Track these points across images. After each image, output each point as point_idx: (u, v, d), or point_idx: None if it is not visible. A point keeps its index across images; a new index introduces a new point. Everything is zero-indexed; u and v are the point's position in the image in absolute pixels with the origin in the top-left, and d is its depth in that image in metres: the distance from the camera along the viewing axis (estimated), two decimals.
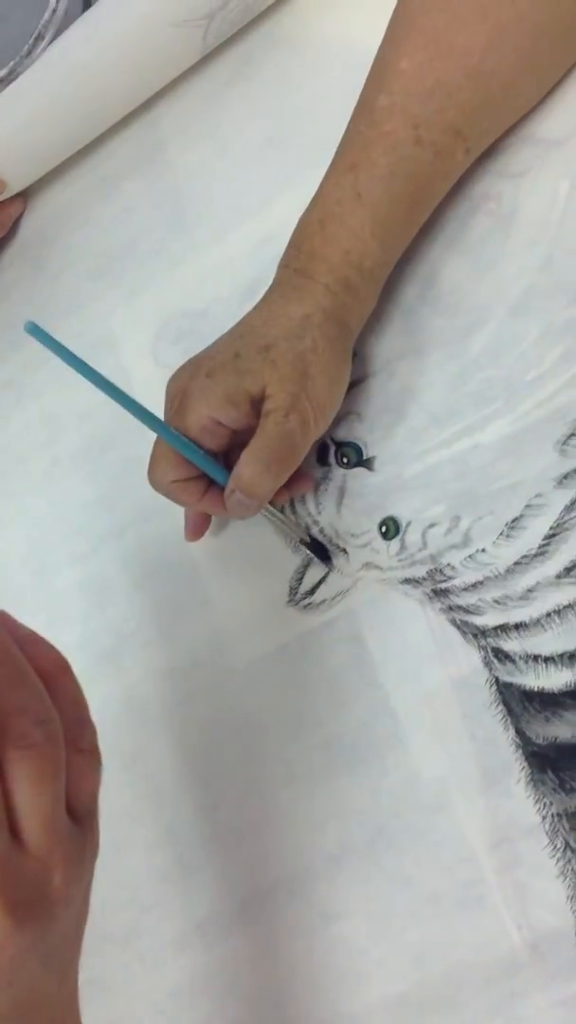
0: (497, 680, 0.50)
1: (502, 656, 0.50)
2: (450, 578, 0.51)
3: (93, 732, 0.39)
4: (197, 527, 0.55)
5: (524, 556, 0.50)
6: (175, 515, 0.56)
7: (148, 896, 0.56)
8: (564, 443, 0.49)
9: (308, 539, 0.54)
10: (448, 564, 0.51)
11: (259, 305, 0.50)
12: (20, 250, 0.67)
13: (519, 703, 0.49)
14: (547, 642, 0.49)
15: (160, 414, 0.50)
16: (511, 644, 0.49)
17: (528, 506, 0.50)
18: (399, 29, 0.49)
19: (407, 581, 0.52)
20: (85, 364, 0.46)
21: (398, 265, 0.52)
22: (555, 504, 0.49)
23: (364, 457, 0.54)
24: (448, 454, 0.52)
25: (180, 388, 0.49)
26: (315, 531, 0.54)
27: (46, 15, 0.60)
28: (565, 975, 0.47)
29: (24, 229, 0.67)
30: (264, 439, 0.47)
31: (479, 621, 0.50)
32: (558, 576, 0.49)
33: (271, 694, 0.55)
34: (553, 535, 0.49)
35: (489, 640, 0.50)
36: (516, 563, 0.50)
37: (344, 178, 0.49)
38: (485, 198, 0.53)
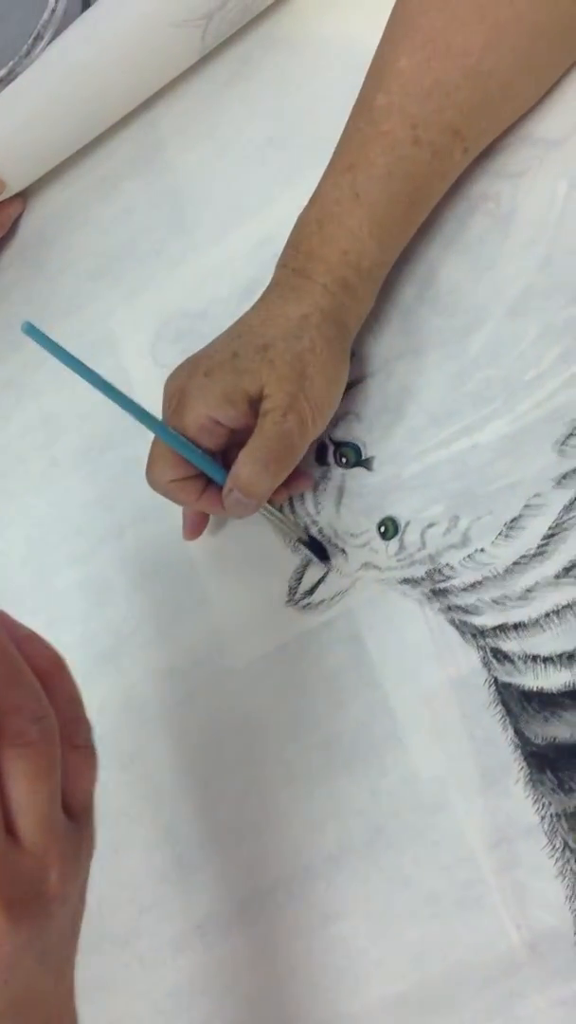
0: (496, 680, 0.50)
1: (501, 656, 0.50)
2: (449, 578, 0.51)
3: (89, 729, 0.39)
4: (195, 526, 0.55)
5: (523, 556, 0.50)
6: (174, 515, 0.56)
7: (147, 896, 0.56)
8: (563, 443, 0.49)
9: (306, 538, 0.54)
10: (447, 564, 0.51)
11: (257, 305, 0.50)
12: (19, 250, 0.67)
13: (518, 703, 0.49)
14: (546, 642, 0.49)
15: (159, 414, 0.50)
16: (510, 644, 0.49)
17: (527, 506, 0.50)
18: (397, 29, 0.49)
19: (406, 581, 0.52)
20: (82, 364, 0.46)
21: (396, 265, 0.52)
22: (554, 504, 0.49)
23: (363, 457, 0.54)
24: (447, 454, 0.52)
25: (178, 387, 0.49)
26: (314, 531, 0.54)
27: (45, 15, 0.60)
28: (564, 975, 0.47)
29: (23, 229, 0.67)
30: (262, 439, 0.47)
31: (478, 621, 0.50)
32: (557, 576, 0.49)
33: (270, 694, 0.55)
34: (552, 535, 0.49)
35: (488, 640, 0.50)
36: (515, 563, 0.50)
37: (342, 178, 0.49)
38: (483, 198, 0.53)
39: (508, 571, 0.50)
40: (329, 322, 0.48)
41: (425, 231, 0.52)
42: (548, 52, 0.49)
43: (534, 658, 0.49)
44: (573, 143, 0.51)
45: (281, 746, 0.54)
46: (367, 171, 0.48)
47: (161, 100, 0.63)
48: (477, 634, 0.50)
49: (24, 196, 0.67)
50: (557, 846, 0.48)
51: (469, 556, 0.51)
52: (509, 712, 0.49)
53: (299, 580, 0.55)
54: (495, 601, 0.50)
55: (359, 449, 0.54)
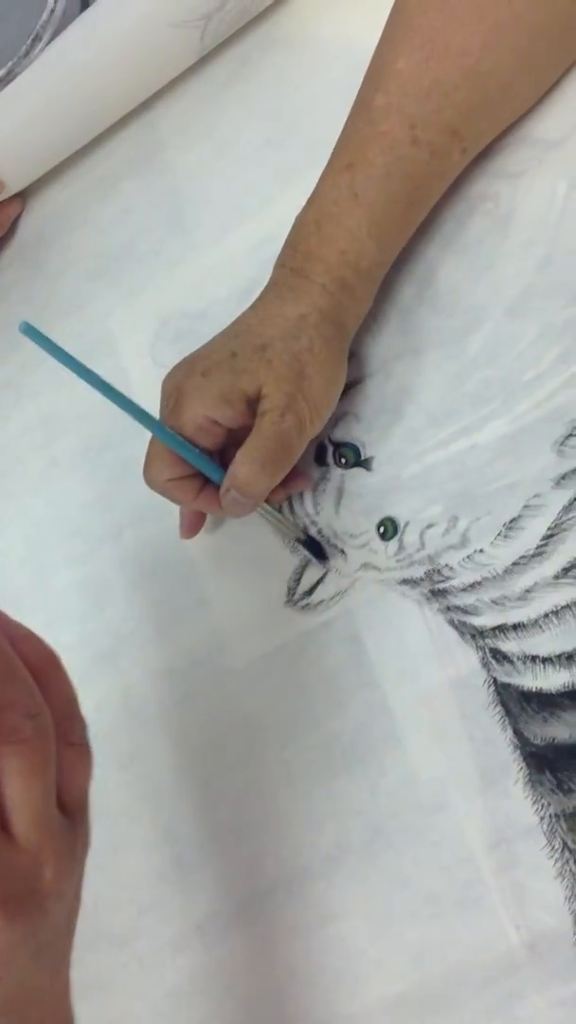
0: (495, 680, 0.50)
1: (500, 657, 0.50)
2: (448, 578, 0.51)
3: (84, 726, 0.39)
4: (192, 525, 0.55)
5: (522, 556, 0.50)
6: (173, 515, 0.56)
7: (146, 896, 0.56)
8: (562, 443, 0.49)
9: (304, 537, 0.54)
10: (446, 564, 0.51)
11: (255, 304, 0.50)
12: (19, 250, 0.67)
13: (517, 704, 0.49)
14: (545, 643, 0.49)
15: (157, 413, 0.50)
16: (509, 645, 0.49)
17: (526, 506, 0.50)
18: (396, 29, 0.49)
19: (405, 581, 0.52)
20: (79, 363, 0.46)
21: (395, 265, 0.52)
22: (553, 504, 0.49)
23: (362, 458, 0.54)
24: (446, 454, 0.52)
25: (175, 386, 0.49)
26: (313, 531, 0.54)
27: (44, 16, 0.60)
28: (563, 975, 0.47)
29: (23, 229, 0.67)
30: (260, 439, 0.47)
31: (477, 621, 0.50)
32: (556, 577, 0.49)
33: (269, 694, 0.55)
34: (551, 535, 0.49)
35: (487, 640, 0.50)
36: (514, 563, 0.50)
37: (341, 178, 0.49)
38: (482, 198, 0.53)
39: (507, 571, 0.50)
40: (327, 322, 0.48)
41: (424, 231, 0.52)
42: (547, 52, 0.49)
43: (533, 658, 0.49)
44: (572, 143, 0.51)
45: (280, 746, 0.54)
46: (365, 171, 0.48)
47: (160, 101, 0.63)
48: (476, 634, 0.50)
49: (23, 196, 0.67)
50: (556, 847, 0.48)
51: (468, 557, 0.51)
52: (508, 712, 0.49)
53: (298, 580, 0.55)
54: (494, 601, 0.50)
55: (358, 450, 0.54)
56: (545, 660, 0.49)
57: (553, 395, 0.50)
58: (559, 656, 0.48)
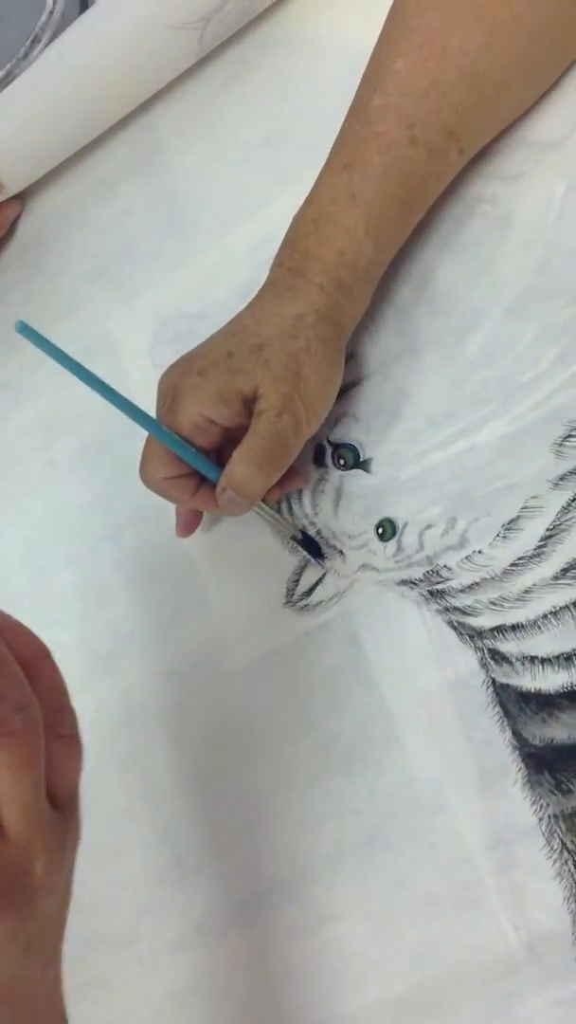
0: (494, 681, 0.50)
1: (499, 657, 0.50)
2: (447, 579, 0.51)
3: (74, 719, 0.39)
4: (188, 523, 0.55)
5: (520, 557, 0.50)
6: (172, 517, 0.56)
7: (146, 897, 0.57)
8: (560, 444, 0.49)
9: (300, 536, 0.54)
10: (445, 565, 0.51)
11: (252, 304, 0.51)
12: (18, 252, 0.67)
13: (516, 704, 0.49)
14: (544, 643, 0.49)
15: (154, 412, 0.50)
16: (508, 645, 0.49)
17: (524, 507, 0.50)
18: (394, 29, 0.49)
19: (404, 582, 0.52)
20: (75, 362, 0.46)
21: (393, 266, 0.52)
22: (551, 505, 0.49)
23: (361, 459, 0.54)
24: (444, 456, 0.52)
25: (172, 385, 0.49)
26: (312, 532, 0.54)
27: (43, 17, 0.60)
28: (562, 976, 0.47)
29: (22, 231, 0.68)
30: (256, 438, 0.47)
31: (476, 622, 0.50)
32: (555, 577, 0.49)
33: (268, 695, 0.55)
34: (550, 536, 0.49)
35: (486, 641, 0.50)
36: (513, 564, 0.50)
37: (338, 178, 0.49)
38: (480, 200, 0.53)
39: (506, 572, 0.50)
40: (324, 322, 0.48)
41: (422, 233, 0.52)
42: (545, 53, 0.49)
43: (532, 659, 0.49)
44: (570, 145, 0.51)
45: (279, 747, 0.54)
46: (363, 171, 0.48)
47: (159, 102, 0.63)
48: (475, 635, 0.50)
49: (22, 198, 0.67)
50: (555, 847, 0.48)
51: (467, 557, 0.51)
52: (507, 713, 0.49)
53: (297, 581, 0.55)
54: (493, 602, 0.50)
55: (357, 451, 0.54)
56: (544, 661, 0.49)
57: (552, 396, 0.50)
58: (558, 657, 0.48)
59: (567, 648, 0.48)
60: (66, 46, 0.59)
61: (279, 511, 0.54)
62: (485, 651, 0.50)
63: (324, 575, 0.54)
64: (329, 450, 0.54)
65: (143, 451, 0.51)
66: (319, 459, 0.55)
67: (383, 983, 0.50)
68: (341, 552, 0.54)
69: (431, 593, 0.51)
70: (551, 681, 0.48)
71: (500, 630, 0.50)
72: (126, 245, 0.63)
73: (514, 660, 0.49)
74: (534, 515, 0.50)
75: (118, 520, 0.60)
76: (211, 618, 0.57)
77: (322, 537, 0.54)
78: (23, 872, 0.35)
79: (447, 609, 0.51)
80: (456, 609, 0.51)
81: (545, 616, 0.49)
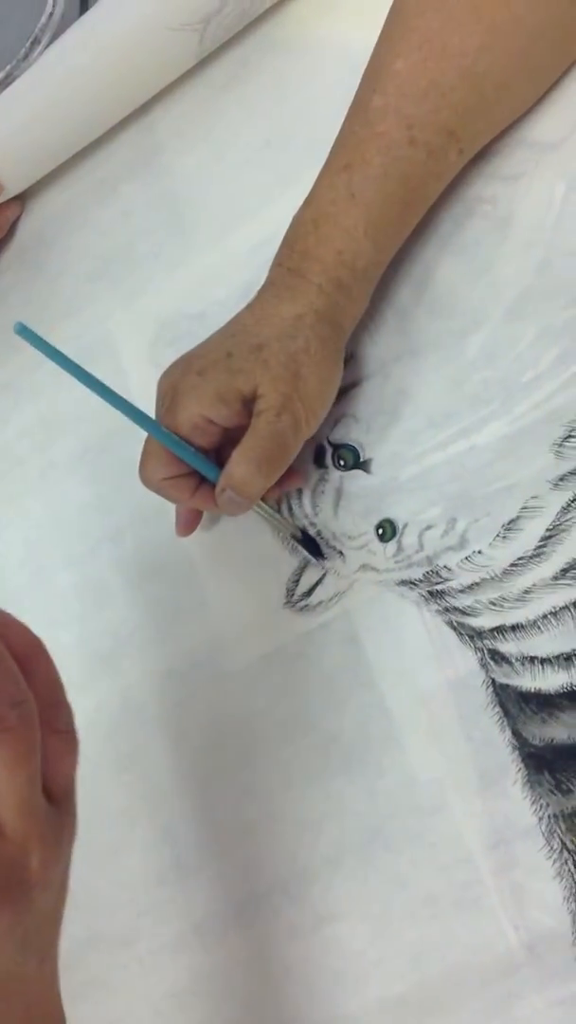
0: (493, 681, 0.50)
1: (498, 657, 0.50)
2: (446, 580, 0.51)
3: (70, 713, 0.39)
4: (188, 522, 0.56)
5: (520, 558, 0.50)
6: (172, 517, 0.56)
7: (146, 898, 0.57)
8: (560, 445, 0.49)
9: (299, 534, 0.54)
10: (444, 566, 0.51)
11: (251, 304, 0.51)
12: (18, 253, 0.67)
13: (515, 704, 0.49)
14: (543, 644, 0.49)
15: (153, 413, 0.50)
16: (507, 646, 0.49)
17: (524, 508, 0.50)
18: (394, 30, 0.50)
19: (404, 583, 0.52)
20: (74, 363, 0.46)
21: (393, 267, 0.52)
22: (551, 506, 0.49)
23: (361, 459, 0.54)
24: (444, 456, 0.52)
25: (171, 385, 0.49)
26: (312, 533, 0.54)
27: (43, 19, 0.60)
28: (562, 976, 0.47)
29: (22, 232, 0.68)
30: (255, 438, 0.47)
31: (475, 623, 0.50)
32: (554, 578, 0.49)
33: (268, 696, 0.55)
34: (549, 536, 0.49)
35: (485, 642, 0.50)
36: (512, 565, 0.50)
37: (338, 178, 0.49)
38: (479, 200, 0.53)
39: (506, 573, 0.50)
40: (324, 322, 0.48)
41: (421, 233, 0.52)
42: (544, 54, 0.49)
43: (532, 659, 0.49)
44: (569, 146, 0.51)
45: (279, 748, 0.54)
46: (363, 171, 0.48)
47: (159, 103, 0.64)
48: (475, 635, 0.50)
49: (23, 199, 0.67)
50: (555, 847, 0.48)
51: (467, 558, 0.51)
52: (507, 713, 0.49)
53: (297, 582, 0.55)
54: (493, 603, 0.50)
55: (357, 451, 0.54)
56: (544, 661, 0.49)
57: (552, 396, 0.50)
58: (557, 657, 0.48)
59: (567, 648, 0.48)
60: (66, 47, 0.59)
61: (279, 511, 0.54)
62: (485, 651, 0.50)
63: (324, 575, 0.54)
64: (329, 451, 0.54)
65: (142, 451, 0.51)
66: (319, 460, 0.55)
67: (383, 983, 0.50)
68: (341, 552, 0.54)
69: (431, 593, 0.51)
70: (551, 681, 0.48)
71: (500, 630, 0.50)
72: (126, 246, 0.63)
73: (514, 660, 0.49)
74: (534, 515, 0.50)
75: (118, 521, 0.60)
76: (211, 618, 0.57)
77: (322, 538, 0.54)
78: (19, 867, 0.35)
79: (447, 609, 0.51)
80: (456, 609, 0.51)
81: (545, 616, 0.49)
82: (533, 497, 0.50)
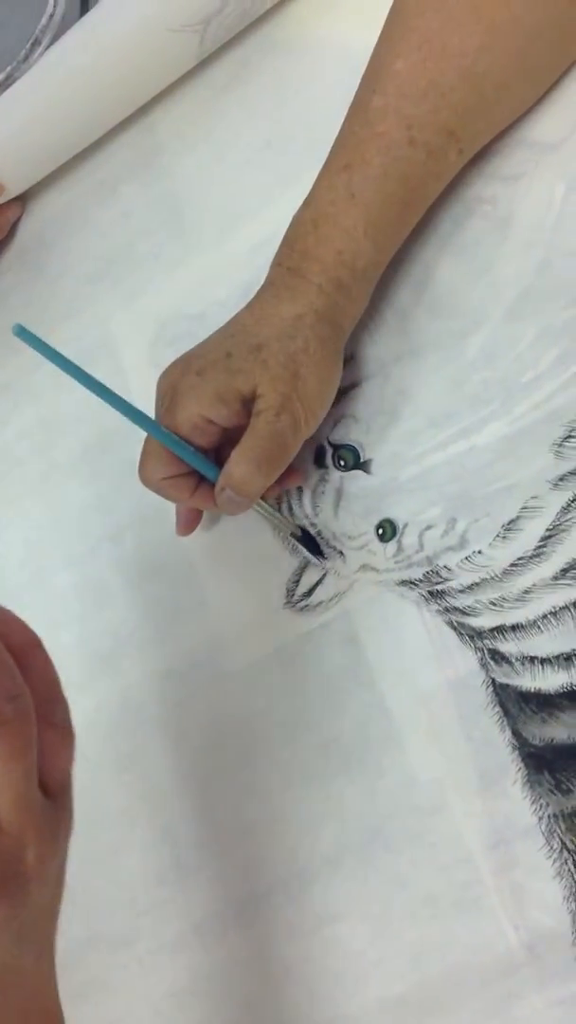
0: (493, 681, 0.50)
1: (498, 657, 0.50)
2: (446, 580, 0.51)
3: (65, 707, 0.39)
4: (188, 522, 0.56)
5: (520, 558, 0.50)
6: (172, 517, 0.56)
7: (146, 897, 0.57)
8: (560, 445, 0.49)
9: (299, 533, 0.54)
10: (444, 566, 0.51)
11: (251, 304, 0.51)
12: (18, 254, 0.68)
13: (515, 704, 0.49)
14: (543, 643, 0.49)
15: (152, 413, 0.51)
16: (507, 646, 0.49)
17: (524, 508, 0.50)
18: (394, 30, 0.50)
19: (404, 583, 0.52)
20: (73, 364, 0.46)
21: (392, 267, 0.52)
22: (551, 506, 0.49)
23: (361, 460, 0.54)
24: (444, 456, 0.52)
25: (170, 385, 0.49)
26: (312, 533, 0.54)
27: (43, 20, 0.60)
28: (562, 976, 0.47)
29: (22, 233, 0.68)
30: (255, 438, 0.47)
31: (475, 623, 0.50)
32: (554, 578, 0.49)
33: (268, 696, 0.55)
34: (549, 537, 0.49)
35: (486, 641, 0.50)
36: (512, 565, 0.50)
37: (338, 178, 0.49)
38: (479, 200, 0.53)
39: (506, 573, 0.50)
40: (323, 322, 0.49)
41: (421, 233, 0.52)
42: (544, 54, 0.49)
43: (532, 659, 0.49)
44: (569, 146, 0.51)
45: (279, 748, 0.54)
46: (362, 171, 0.48)
47: (159, 104, 0.64)
48: (475, 635, 0.50)
49: (23, 200, 0.67)
50: (555, 847, 0.48)
51: (467, 558, 0.51)
52: (507, 713, 0.49)
53: (297, 582, 0.55)
54: (493, 603, 0.50)
55: (357, 452, 0.54)
56: (544, 661, 0.49)
57: (552, 396, 0.50)
58: (557, 657, 0.48)
59: (567, 648, 0.48)
60: (67, 49, 0.59)
61: (279, 511, 0.54)
62: (485, 651, 0.50)
63: (324, 576, 0.54)
64: (329, 451, 0.54)
65: (142, 451, 0.51)
66: (319, 460, 0.55)
67: (383, 983, 0.50)
68: (341, 553, 0.54)
69: (431, 593, 0.51)
70: (551, 681, 0.48)
71: (500, 630, 0.50)
72: (126, 247, 0.63)
73: (514, 660, 0.49)
74: (534, 515, 0.50)
75: (118, 521, 0.60)
76: (211, 618, 0.57)
77: (322, 538, 0.54)
78: (15, 861, 0.35)
79: (447, 609, 0.51)
80: (456, 609, 0.51)
81: (545, 616, 0.49)
82: (533, 497, 0.50)
